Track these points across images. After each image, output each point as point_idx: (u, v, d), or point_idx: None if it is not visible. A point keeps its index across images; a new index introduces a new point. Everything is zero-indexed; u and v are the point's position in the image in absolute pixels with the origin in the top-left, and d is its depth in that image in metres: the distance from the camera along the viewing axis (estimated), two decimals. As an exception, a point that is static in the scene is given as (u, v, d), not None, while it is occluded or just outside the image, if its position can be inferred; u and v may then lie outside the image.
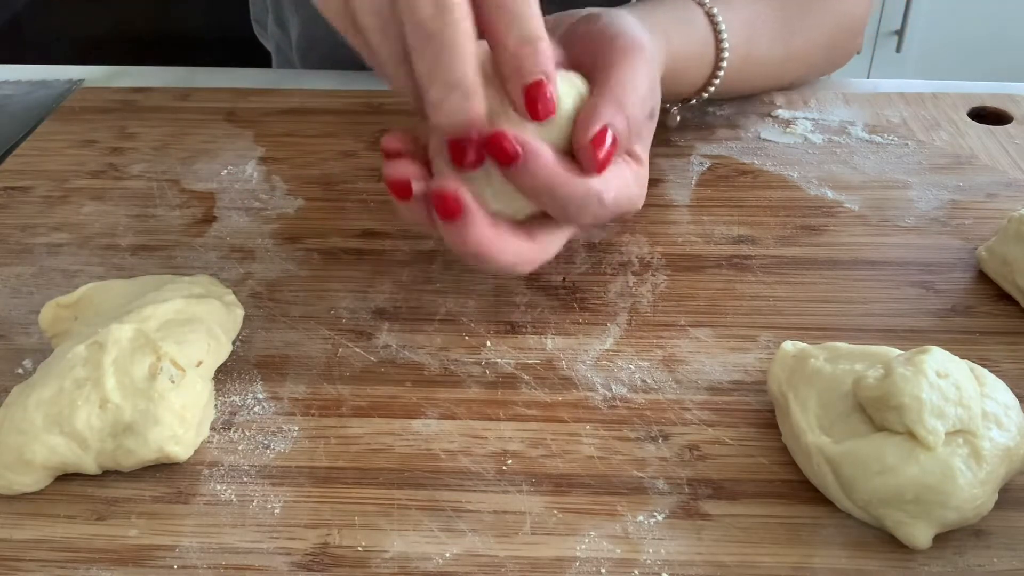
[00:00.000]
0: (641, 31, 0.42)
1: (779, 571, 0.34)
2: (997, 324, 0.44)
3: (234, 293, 0.43)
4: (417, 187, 0.38)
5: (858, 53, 0.63)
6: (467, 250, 0.37)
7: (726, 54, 0.52)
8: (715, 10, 0.51)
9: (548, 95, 0.36)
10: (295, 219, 0.52)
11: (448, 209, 0.36)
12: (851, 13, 0.60)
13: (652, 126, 0.43)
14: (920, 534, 0.34)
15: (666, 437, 0.39)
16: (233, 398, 0.41)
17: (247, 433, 0.39)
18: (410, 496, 0.37)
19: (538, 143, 0.37)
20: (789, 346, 0.40)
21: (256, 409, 0.41)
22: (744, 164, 0.56)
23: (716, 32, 0.51)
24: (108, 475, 0.38)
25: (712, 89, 0.53)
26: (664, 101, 0.54)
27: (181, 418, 0.37)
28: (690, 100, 0.55)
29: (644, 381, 0.42)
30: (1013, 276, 0.44)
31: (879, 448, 0.34)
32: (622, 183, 0.40)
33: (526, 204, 0.39)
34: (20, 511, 0.36)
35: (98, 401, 0.36)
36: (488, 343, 0.44)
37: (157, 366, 0.37)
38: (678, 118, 0.58)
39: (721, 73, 0.52)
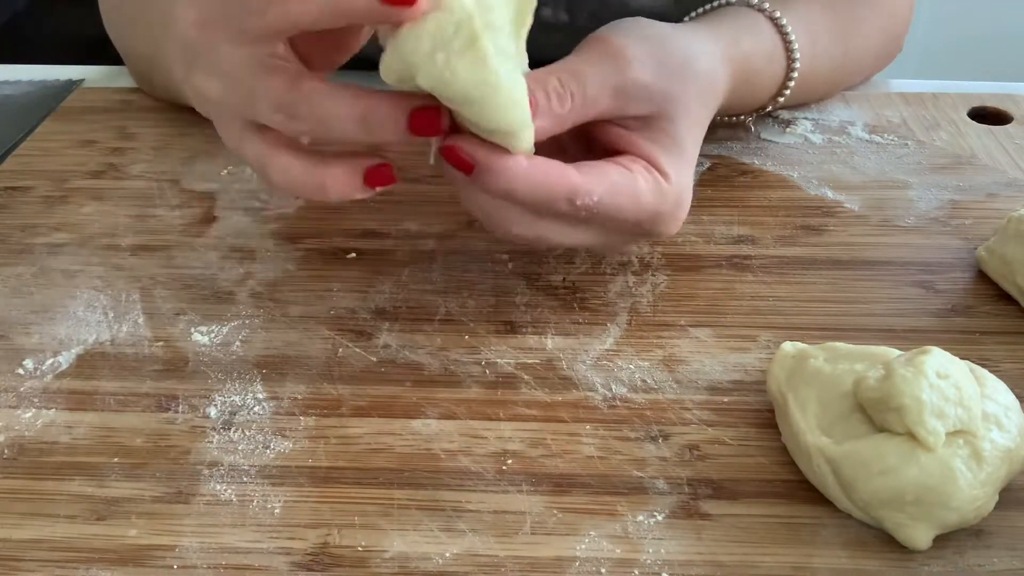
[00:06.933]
0: (623, 33, 0.42)
1: (779, 571, 0.34)
2: (997, 324, 0.44)
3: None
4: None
5: (899, 52, 0.63)
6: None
7: (797, 54, 0.52)
8: (777, 13, 0.51)
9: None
10: (295, 219, 0.52)
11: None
12: (895, 13, 0.61)
13: (658, 135, 0.41)
14: (920, 536, 0.34)
15: (666, 437, 0.39)
16: (233, 398, 0.41)
17: (247, 433, 0.39)
18: (410, 496, 0.37)
19: (493, 156, 0.37)
20: (789, 346, 0.40)
21: (256, 409, 0.41)
22: (744, 164, 0.56)
23: (783, 35, 0.51)
24: (108, 475, 0.38)
25: (787, 92, 0.53)
26: (741, 111, 0.55)
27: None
28: (764, 108, 0.55)
29: (644, 381, 0.42)
30: (1013, 276, 0.44)
31: (879, 449, 0.34)
32: (611, 186, 0.39)
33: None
34: (20, 511, 0.36)
35: None
36: (488, 343, 0.44)
37: None
38: (752, 127, 0.58)
39: (795, 75, 0.52)
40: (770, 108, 0.55)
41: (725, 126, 0.57)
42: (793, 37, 0.51)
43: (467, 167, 0.37)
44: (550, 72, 0.39)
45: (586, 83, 0.39)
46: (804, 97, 0.58)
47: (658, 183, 0.41)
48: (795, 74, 0.52)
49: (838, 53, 0.56)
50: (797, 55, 0.52)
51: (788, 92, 0.53)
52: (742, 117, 0.56)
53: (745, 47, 0.49)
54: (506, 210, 0.39)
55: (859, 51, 0.59)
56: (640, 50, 0.41)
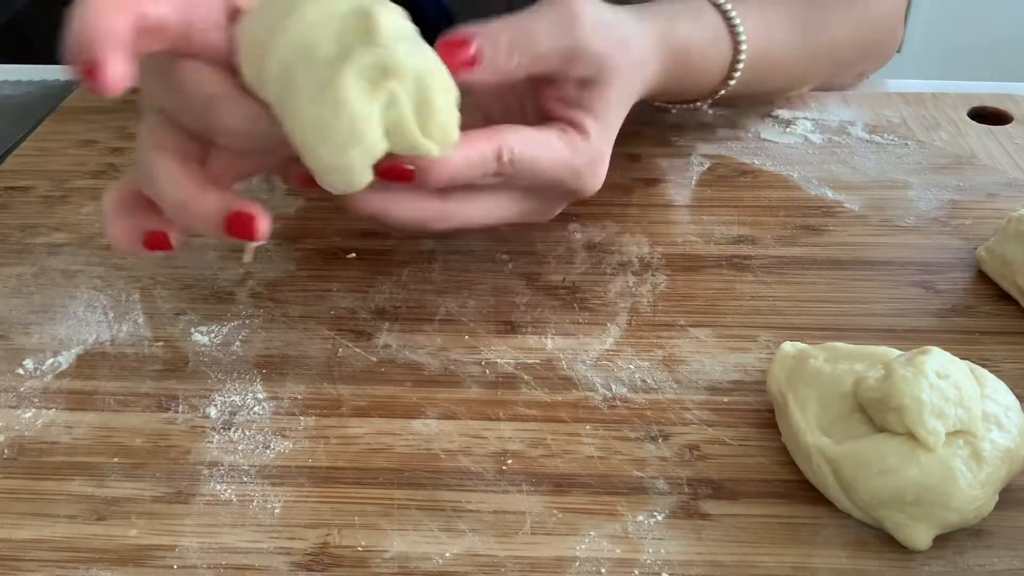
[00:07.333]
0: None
1: (779, 571, 0.34)
2: (997, 324, 0.44)
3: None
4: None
5: (898, 51, 0.62)
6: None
7: (743, 39, 0.51)
8: (728, 6, 0.51)
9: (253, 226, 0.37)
10: (295, 219, 0.52)
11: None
12: (882, 8, 0.60)
13: (590, 98, 0.43)
14: (920, 536, 0.34)
15: (666, 437, 0.39)
16: (233, 398, 0.41)
17: (247, 433, 0.39)
18: (410, 496, 0.37)
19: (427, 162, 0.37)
20: (789, 346, 0.40)
21: (256, 409, 0.41)
22: (744, 164, 0.56)
23: (727, 19, 0.51)
24: (108, 475, 0.38)
25: (737, 76, 0.52)
26: (687, 95, 0.54)
27: None
28: (716, 92, 0.53)
29: (644, 381, 0.42)
30: (1013, 276, 0.44)
31: (879, 449, 0.34)
32: (526, 138, 0.40)
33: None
34: (20, 511, 0.36)
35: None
36: (488, 343, 0.44)
37: None
38: (710, 111, 0.57)
39: (740, 66, 0.52)
40: (723, 92, 0.53)
41: (656, 110, 0.57)
42: (738, 21, 0.51)
43: (408, 174, 0.37)
44: (504, 28, 0.40)
45: (537, 43, 0.41)
46: (764, 85, 0.57)
47: (573, 140, 0.42)
48: (742, 59, 0.52)
49: (797, 42, 0.55)
50: (743, 39, 0.51)
51: (737, 75, 0.52)
52: (698, 104, 0.55)
53: (682, 31, 0.48)
54: (430, 206, 0.40)
55: (828, 42, 0.57)
56: (595, 16, 0.42)
